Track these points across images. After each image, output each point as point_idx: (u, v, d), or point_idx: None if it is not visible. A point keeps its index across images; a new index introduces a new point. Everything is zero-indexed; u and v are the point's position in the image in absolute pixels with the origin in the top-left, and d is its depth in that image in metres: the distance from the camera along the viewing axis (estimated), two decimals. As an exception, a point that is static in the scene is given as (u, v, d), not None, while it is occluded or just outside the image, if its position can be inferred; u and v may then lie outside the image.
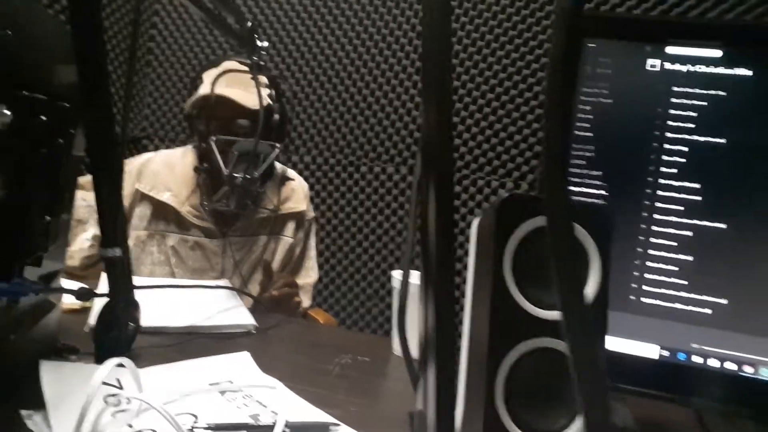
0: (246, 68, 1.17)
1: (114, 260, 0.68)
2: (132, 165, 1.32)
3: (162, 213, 1.30)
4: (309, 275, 1.45)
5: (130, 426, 0.58)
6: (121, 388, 0.64)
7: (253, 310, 1.06)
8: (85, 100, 0.60)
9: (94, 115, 0.61)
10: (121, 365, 0.53)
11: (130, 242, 1.28)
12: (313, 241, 1.48)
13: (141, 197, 1.30)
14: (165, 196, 1.28)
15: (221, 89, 1.20)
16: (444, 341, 0.41)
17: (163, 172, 1.31)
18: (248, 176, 1.10)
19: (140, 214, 1.29)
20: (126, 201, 1.27)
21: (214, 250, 1.31)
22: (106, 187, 0.65)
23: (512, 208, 0.50)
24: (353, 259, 1.99)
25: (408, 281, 0.46)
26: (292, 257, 1.42)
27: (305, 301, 1.39)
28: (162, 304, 0.97)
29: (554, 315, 0.50)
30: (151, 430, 0.58)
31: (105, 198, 0.65)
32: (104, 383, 0.64)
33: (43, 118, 0.55)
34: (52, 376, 0.59)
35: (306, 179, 1.56)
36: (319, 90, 2.02)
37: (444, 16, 0.37)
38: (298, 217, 1.40)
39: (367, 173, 1.98)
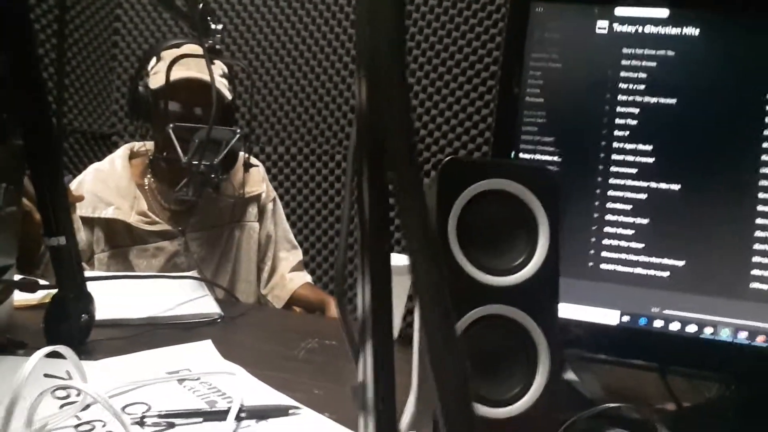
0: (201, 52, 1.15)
1: (59, 249, 0.66)
2: None
3: (113, 230, 1.25)
4: (296, 254, 1.47)
5: (78, 418, 0.56)
6: (70, 379, 0.62)
7: (222, 300, 1.04)
8: (14, 85, 0.58)
9: (25, 100, 0.58)
10: (61, 355, 0.51)
11: (96, 267, 1.26)
12: (285, 222, 1.48)
13: (87, 222, 1.25)
14: (109, 212, 1.24)
15: (180, 72, 1.17)
16: (380, 312, 0.39)
17: (99, 190, 1.27)
18: (207, 163, 1.08)
19: (94, 238, 1.26)
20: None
21: (176, 249, 1.28)
22: (44, 174, 0.63)
23: (454, 172, 0.48)
24: (320, 248, 1.97)
25: (346, 250, 0.44)
26: (268, 242, 1.41)
27: (303, 278, 1.45)
28: (123, 296, 0.95)
29: (502, 281, 0.49)
30: (100, 421, 0.56)
31: (44, 186, 0.63)
32: (52, 375, 0.62)
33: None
34: (-7, 370, 0.57)
35: (269, 170, 1.54)
36: (277, 77, 1.99)
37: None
38: (258, 200, 1.39)
39: (329, 161, 1.96)
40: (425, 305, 0.27)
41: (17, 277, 0.68)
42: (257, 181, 1.37)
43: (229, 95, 1.27)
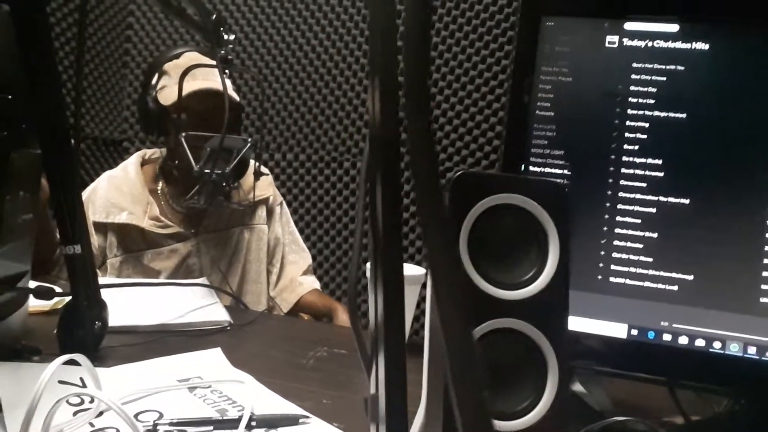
0: (211, 61, 1.16)
1: (74, 257, 0.67)
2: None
3: (127, 235, 1.28)
4: (305, 258, 1.48)
5: (92, 425, 0.57)
6: (84, 386, 0.63)
7: (231, 307, 1.05)
8: (33, 95, 0.59)
9: (44, 110, 0.59)
10: (75, 362, 0.51)
11: (107, 272, 1.27)
12: (293, 225, 1.49)
13: (100, 228, 1.27)
14: (123, 217, 1.26)
15: (191, 85, 1.18)
16: (393, 325, 0.40)
17: (112, 196, 1.29)
18: (219, 171, 1.09)
19: (107, 244, 1.28)
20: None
21: (189, 250, 1.30)
22: (60, 183, 0.64)
23: (466, 186, 0.49)
24: (328, 255, 1.97)
25: (359, 266, 0.45)
26: (276, 245, 1.43)
27: (312, 284, 1.46)
28: (135, 303, 0.96)
29: (512, 295, 0.49)
30: (113, 428, 0.57)
31: (60, 194, 0.64)
32: (66, 382, 0.63)
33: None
34: (9, 377, 0.58)
35: (278, 177, 1.54)
36: (287, 85, 2.00)
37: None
38: (267, 203, 1.41)
39: (338, 169, 1.96)
40: (447, 319, 0.27)
41: (32, 284, 0.69)
42: (265, 185, 1.39)
43: (236, 96, 1.29)
